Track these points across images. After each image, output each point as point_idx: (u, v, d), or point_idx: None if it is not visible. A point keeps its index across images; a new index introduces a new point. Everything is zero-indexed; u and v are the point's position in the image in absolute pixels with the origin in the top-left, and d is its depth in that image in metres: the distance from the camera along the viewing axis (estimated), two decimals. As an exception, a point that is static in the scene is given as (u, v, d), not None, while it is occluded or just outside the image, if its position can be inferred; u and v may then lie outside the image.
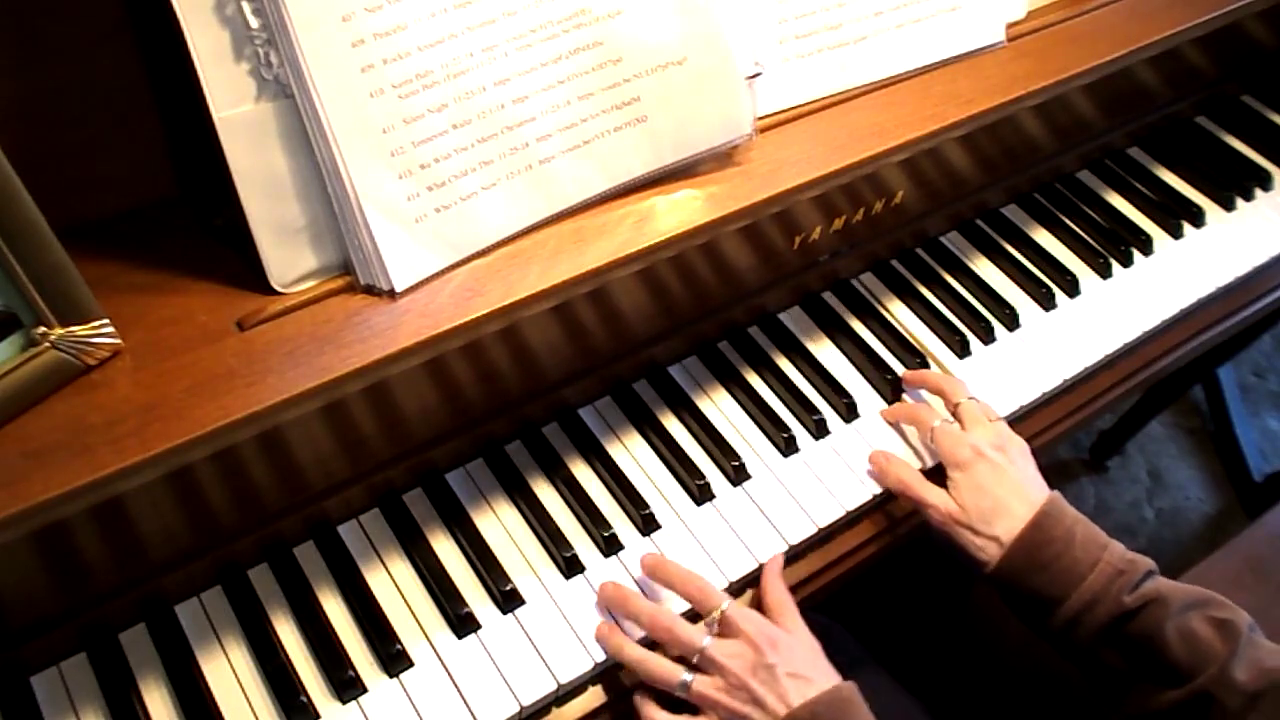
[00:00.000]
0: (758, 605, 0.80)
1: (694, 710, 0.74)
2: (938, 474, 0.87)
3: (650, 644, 0.77)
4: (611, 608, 0.79)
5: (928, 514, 0.84)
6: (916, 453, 0.92)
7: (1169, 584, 0.77)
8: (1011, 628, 0.93)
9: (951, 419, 0.89)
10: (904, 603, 1.05)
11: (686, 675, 0.73)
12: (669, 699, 0.75)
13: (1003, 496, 0.81)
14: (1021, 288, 1.07)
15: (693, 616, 0.79)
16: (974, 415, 0.87)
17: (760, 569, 0.83)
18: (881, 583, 0.81)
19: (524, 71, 0.72)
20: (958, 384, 0.92)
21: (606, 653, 0.77)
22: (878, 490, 0.89)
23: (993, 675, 0.78)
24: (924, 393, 0.95)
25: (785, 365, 0.97)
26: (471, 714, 0.73)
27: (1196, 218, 1.16)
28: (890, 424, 0.93)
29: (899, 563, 0.93)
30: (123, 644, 0.73)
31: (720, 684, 0.72)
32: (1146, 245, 1.12)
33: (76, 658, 0.72)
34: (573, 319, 0.82)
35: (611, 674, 0.79)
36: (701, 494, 0.86)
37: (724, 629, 0.75)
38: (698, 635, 0.74)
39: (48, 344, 0.61)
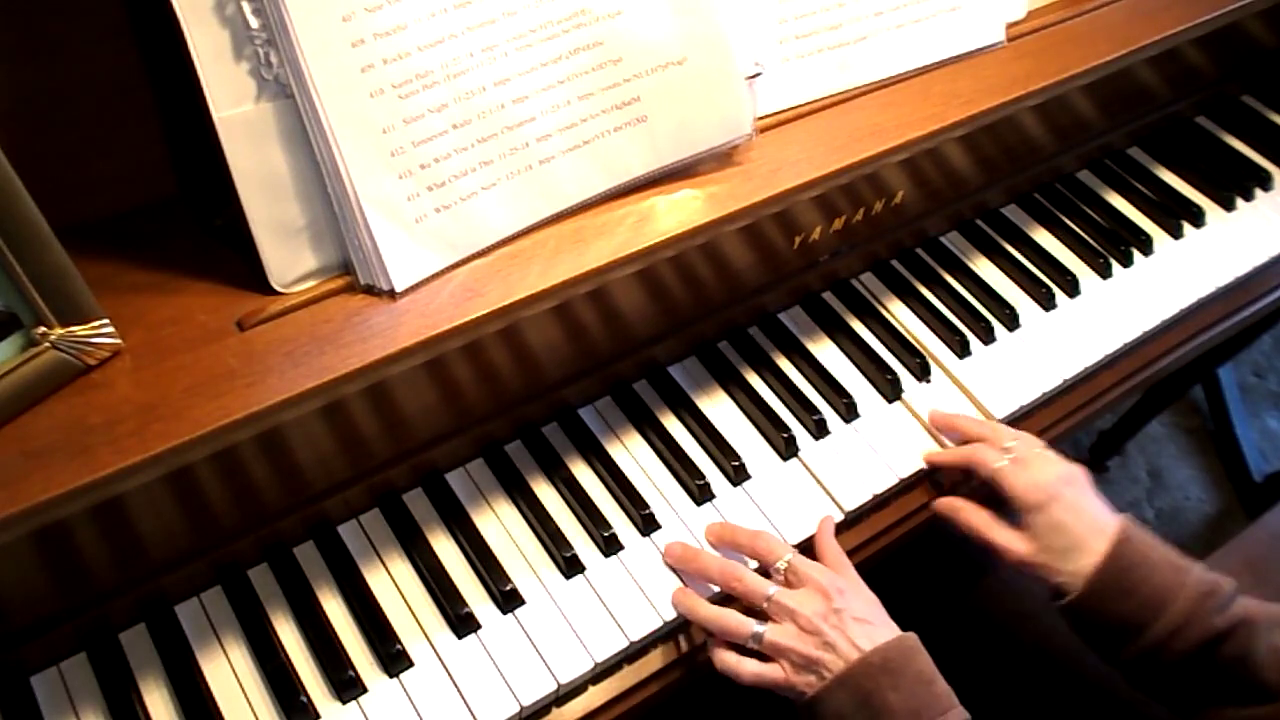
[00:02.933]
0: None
1: (763, 659, 0.76)
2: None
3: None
4: (679, 564, 0.82)
5: (1001, 558, 0.83)
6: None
7: (1253, 603, 0.76)
8: (1025, 629, 0.93)
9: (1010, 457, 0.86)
10: (904, 600, 1.05)
11: (759, 627, 0.76)
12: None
13: (1078, 532, 0.80)
14: (1021, 288, 1.07)
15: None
16: (1029, 455, 0.85)
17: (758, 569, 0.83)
18: (881, 582, 0.82)
19: (524, 71, 0.72)
20: (999, 430, 0.89)
21: (680, 613, 0.79)
22: (878, 490, 0.89)
23: (998, 672, 0.78)
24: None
25: (785, 365, 0.97)
26: (471, 714, 0.73)
27: (1196, 218, 1.16)
28: (939, 427, 0.93)
29: (899, 561, 0.93)
30: (123, 644, 0.74)
31: (792, 630, 0.75)
32: (1146, 245, 1.12)
33: (76, 658, 0.72)
34: (573, 319, 0.82)
35: (611, 671, 0.79)
36: (701, 494, 0.86)
37: (790, 579, 0.78)
38: (765, 584, 0.77)
39: (48, 344, 0.61)
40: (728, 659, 0.77)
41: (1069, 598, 0.79)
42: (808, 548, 0.86)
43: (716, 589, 0.81)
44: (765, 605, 0.76)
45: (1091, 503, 0.82)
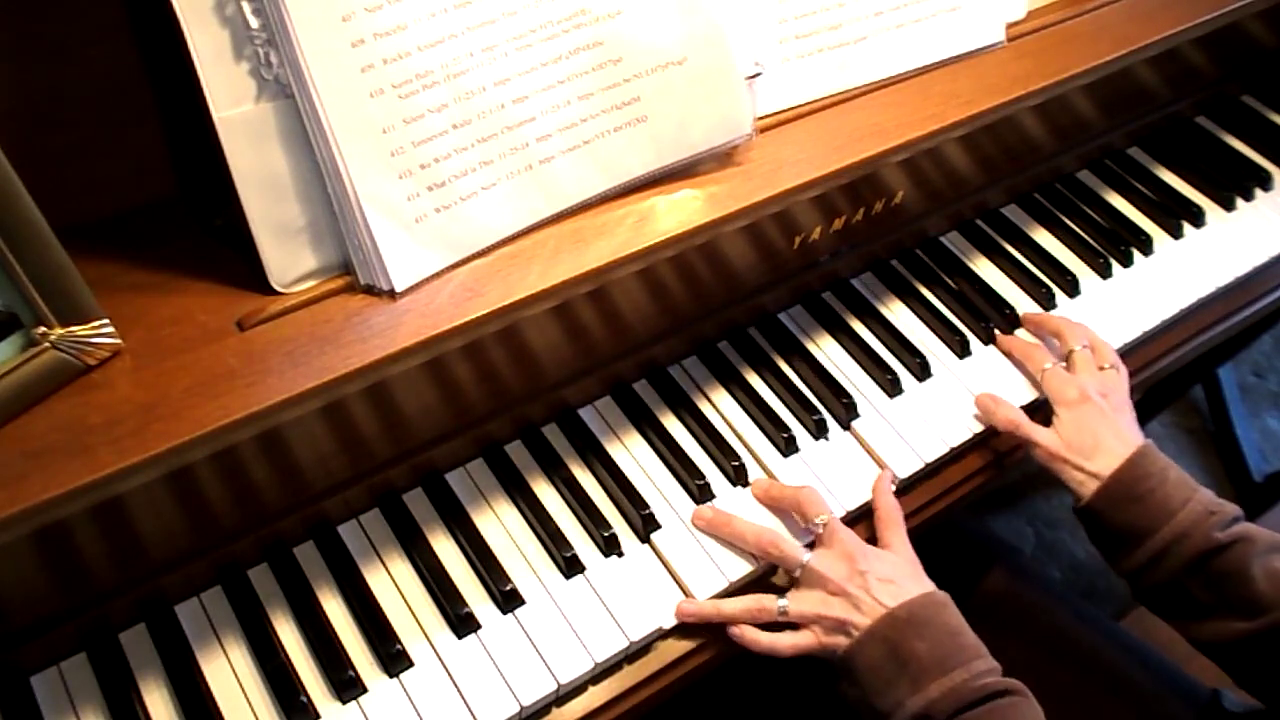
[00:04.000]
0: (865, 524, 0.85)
1: (790, 629, 0.79)
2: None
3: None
4: (710, 528, 0.84)
5: (1034, 452, 0.89)
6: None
7: (1256, 528, 0.81)
8: (1030, 625, 0.94)
9: (1063, 363, 0.95)
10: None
11: (782, 601, 0.78)
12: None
13: (1103, 436, 0.86)
14: (1021, 287, 1.07)
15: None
16: (1084, 362, 0.93)
17: (758, 569, 0.83)
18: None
19: (524, 71, 0.72)
20: (1078, 330, 0.97)
21: (704, 620, 0.80)
22: (878, 490, 0.89)
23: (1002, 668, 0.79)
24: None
25: (785, 365, 0.97)
26: (471, 714, 0.73)
27: (1196, 218, 1.16)
28: (1004, 352, 0.99)
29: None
30: (123, 644, 0.74)
31: (820, 596, 0.78)
32: (1146, 245, 1.12)
33: (76, 658, 0.72)
34: (573, 319, 0.82)
35: (611, 671, 0.79)
36: (701, 494, 0.86)
37: (823, 537, 0.81)
38: (801, 551, 0.80)
39: (48, 344, 0.61)
40: (761, 639, 0.79)
41: (1083, 500, 0.85)
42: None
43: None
44: (798, 573, 0.79)
45: (1122, 418, 0.88)
